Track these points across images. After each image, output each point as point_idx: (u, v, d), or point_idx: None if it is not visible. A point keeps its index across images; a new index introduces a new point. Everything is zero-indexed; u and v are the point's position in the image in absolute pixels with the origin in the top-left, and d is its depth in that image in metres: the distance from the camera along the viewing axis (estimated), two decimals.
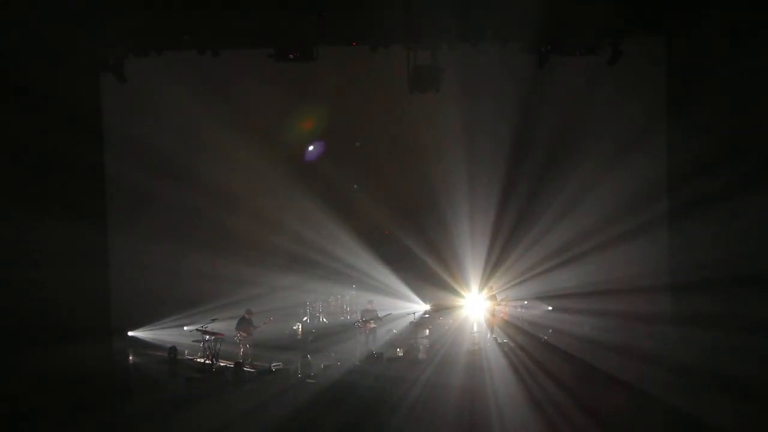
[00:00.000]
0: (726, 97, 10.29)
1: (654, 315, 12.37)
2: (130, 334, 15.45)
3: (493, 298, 15.81)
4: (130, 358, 14.24)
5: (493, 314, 15.58)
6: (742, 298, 9.76)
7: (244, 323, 15.02)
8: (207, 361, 13.94)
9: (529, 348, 13.87)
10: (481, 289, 16.13)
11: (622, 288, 13.90)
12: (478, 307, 15.85)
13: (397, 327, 16.26)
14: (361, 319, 15.80)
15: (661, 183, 11.84)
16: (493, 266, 16.15)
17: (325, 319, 17.40)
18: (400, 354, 13.99)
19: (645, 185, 12.70)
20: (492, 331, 15.29)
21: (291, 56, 11.34)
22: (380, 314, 15.82)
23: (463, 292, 16.39)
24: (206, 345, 14.07)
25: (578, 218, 15.00)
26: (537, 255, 15.73)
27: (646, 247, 12.70)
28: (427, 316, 16.36)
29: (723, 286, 10.01)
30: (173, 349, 14.02)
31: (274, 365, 13.40)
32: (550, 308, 16.04)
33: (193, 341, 14.45)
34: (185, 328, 15.12)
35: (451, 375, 12.23)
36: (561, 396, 10.60)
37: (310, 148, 17.35)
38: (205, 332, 14.14)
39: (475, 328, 15.42)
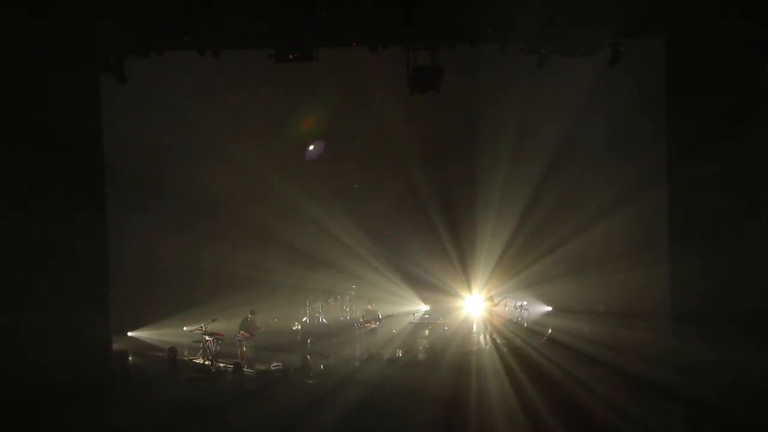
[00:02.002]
0: (726, 97, 10.29)
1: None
2: (130, 334, 15.47)
3: (491, 299, 15.78)
4: (130, 358, 14.22)
5: (491, 315, 15.56)
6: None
7: (247, 324, 14.99)
8: (207, 362, 13.92)
9: (526, 350, 13.83)
10: (480, 290, 16.11)
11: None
12: (477, 307, 15.82)
13: (397, 327, 16.25)
14: (362, 319, 15.78)
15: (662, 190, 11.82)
16: (486, 269, 16.18)
17: (324, 320, 17.39)
18: (400, 354, 13.98)
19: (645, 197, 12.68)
20: (490, 331, 15.25)
21: (291, 56, 11.34)
22: (381, 315, 15.80)
23: (462, 293, 16.38)
24: (206, 345, 14.06)
25: (575, 223, 15.02)
26: (531, 256, 15.77)
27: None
28: (426, 316, 16.34)
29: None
30: (173, 349, 13.99)
31: (274, 366, 13.38)
32: (550, 308, 16.06)
33: (193, 341, 14.44)
34: (185, 328, 15.09)
35: (448, 376, 12.21)
36: (549, 400, 10.56)
37: (310, 147, 17.35)
38: (205, 332, 14.12)
39: (474, 329, 15.40)
